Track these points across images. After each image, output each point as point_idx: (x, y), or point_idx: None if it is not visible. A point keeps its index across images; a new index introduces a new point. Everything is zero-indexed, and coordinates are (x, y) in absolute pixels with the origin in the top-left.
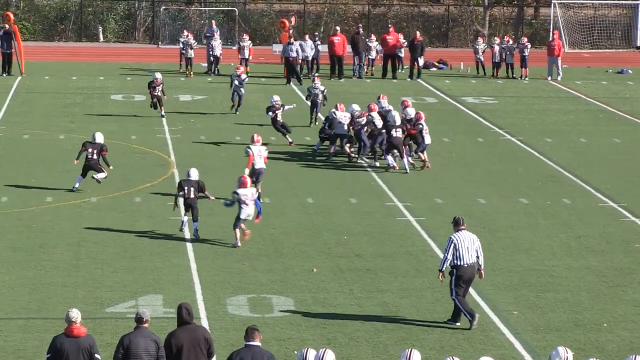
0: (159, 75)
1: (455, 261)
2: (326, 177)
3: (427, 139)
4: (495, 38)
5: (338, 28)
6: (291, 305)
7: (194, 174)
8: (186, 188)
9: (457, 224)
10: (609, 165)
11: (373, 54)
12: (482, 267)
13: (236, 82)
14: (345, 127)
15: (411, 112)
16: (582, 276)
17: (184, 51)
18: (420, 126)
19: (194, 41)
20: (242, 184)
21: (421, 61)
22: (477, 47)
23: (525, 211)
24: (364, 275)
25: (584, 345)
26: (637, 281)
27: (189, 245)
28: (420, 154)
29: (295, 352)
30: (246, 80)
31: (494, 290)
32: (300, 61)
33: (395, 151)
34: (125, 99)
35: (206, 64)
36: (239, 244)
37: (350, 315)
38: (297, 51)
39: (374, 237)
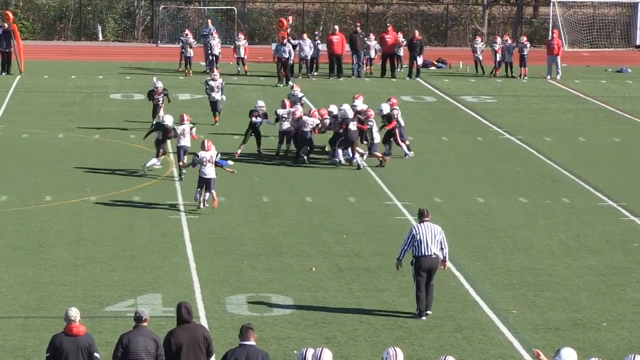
0: (159, 84)
1: (415, 252)
2: (325, 177)
3: (377, 138)
4: (504, 37)
5: (337, 27)
6: (290, 304)
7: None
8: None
9: (421, 215)
10: (608, 164)
11: (372, 53)
12: (447, 258)
13: (213, 89)
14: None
15: (360, 105)
16: (581, 275)
17: (183, 50)
18: (371, 123)
19: (194, 40)
20: (202, 147)
21: (420, 60)
22: (476, 46)
23: (524, 210)
24: (363, 274)
25: (583, 344)
26: (636, 280)
27: (188, 244)
28: (375, 153)
29: (295, 351)
30: (223, 84)
31: (493, 289)
32: (297, 60)
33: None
34: (125, 97)
35: (204, 63)
36: (202, 206)
37: (349, 314)
38: (289, 52)
39: (373, 236)
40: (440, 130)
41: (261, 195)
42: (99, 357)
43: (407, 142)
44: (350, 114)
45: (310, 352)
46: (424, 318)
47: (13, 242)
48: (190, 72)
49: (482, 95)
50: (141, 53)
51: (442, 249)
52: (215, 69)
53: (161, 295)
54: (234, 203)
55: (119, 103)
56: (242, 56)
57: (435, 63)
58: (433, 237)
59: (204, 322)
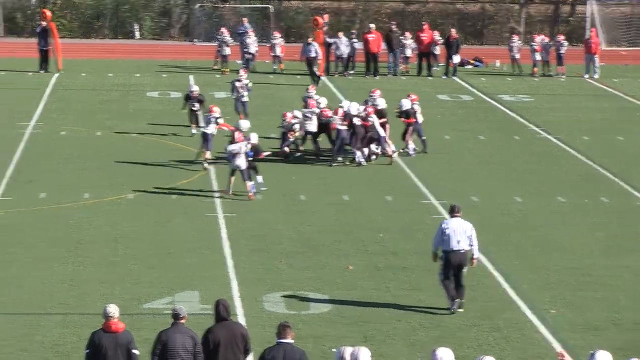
0: (196, 88)
1: (444, 247)
2: (362, 175)
3: (382, 132)
4: (543, 36)
5: (373, 26)
6: (327, 302)
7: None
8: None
9: (452, 211)
10: None
11: (408, 52)
12: (475, 256)
13: (238, 89)
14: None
15: (378, 99)
16: (620, 275)
17: (220, 48)
18: (371, 119)
19: (230, 39)
20: (232, 140)
21: (457, 59)
22: (513, 45)
23: (562, 210)
24: (401, 273)
25: (623, 345)
26: None
27: (225, 242)
28: (387, 148)
29: (333, 350)
30: (250, 86)
31: (532, 289)
32: (334, 59)
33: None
34: (162, 96)
35: (241, 62)
36: (230, 192)
37: (386, 313)
38: (316, 51)
39: (410, 235)
40: (477, 129)
41: (299, 193)
42: (138, 354)
43: (424, 138)
44: (354, 110)
45: (348, 350)
46: (455, 307)
47: (52, 239)
48: (227, 70)
49: (519, 94)
50: (178, 51)
51: (471, 245)
52: (241, 70)
53: (199, 293)
54: (272, 201)
55: (156, 101)
56: (278, 55)
57: (472, 62)
58: (463, 233)
59: (241, 320)
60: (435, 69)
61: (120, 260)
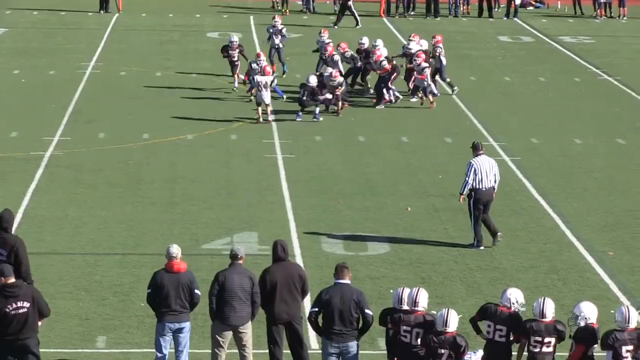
0: (235, 38)
1: (474, 184)
2: (421, 116)
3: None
4: None
5: None
6: (385, 244)
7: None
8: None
9: (476, 149)
10: None
11: None
12: (496, 191)
13: (274, 38)
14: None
15: (415, 47)
16: None
17: None
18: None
19: None
20: (261, 72)
21: (518, 0)
22: None
23: (622, 151)
24: (459, 214)
25: None
26: None
27: (284, 182)
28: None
29: (391, 290)
30: (285, 31)
31: (590, 231)
32: (395, 0)
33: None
34: (221, 36)
35: (301, 2)
36: (261, 120)
37: (444, 255)
38: None
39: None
40: (537, 71)
41: (357, 134)
42: (199, 293)
43: (449, 80)
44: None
45: (406, 291)
46: (482, 248)
47: (111, 179)
48: (287, 10)
49: (580, 35)
50: None
51: (496, 181)
52: (276, 16)
53: (257, 233)
54: (330, 142)
55: (216, 41)
56: None
57: (533, 3)
58: (491, 169)
59: (299, 260)
60: (496, 10)
61: (179, 200)
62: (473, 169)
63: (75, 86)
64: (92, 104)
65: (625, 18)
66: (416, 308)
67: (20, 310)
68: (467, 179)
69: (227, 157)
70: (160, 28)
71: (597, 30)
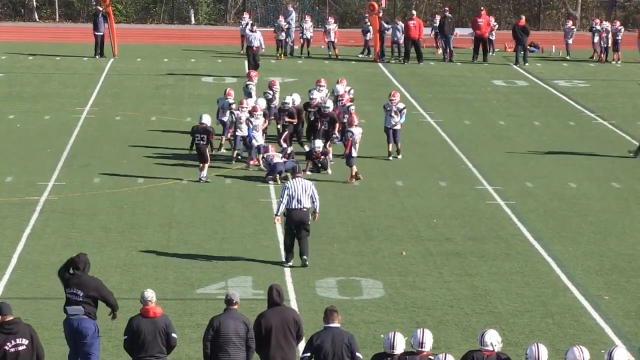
0: (206, 118)
1: (288, 206)
2: (416, 161)
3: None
4: (605, 22)
5: (414, 12)
6: (380, 288)
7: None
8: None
9: (293, 172)
10: None
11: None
12: (317, 210)
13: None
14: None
15: (341, 90)
16: None
17: (276, 33)
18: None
19: (285, 23)
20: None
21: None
22: (567, 29)
23: (617, 195)
24: (454, 258)
25: None
26: None
27: (278, 227)
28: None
29: (382, 335)
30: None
31: (585, 275)
32: (389, 44)
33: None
34: (216, 81)
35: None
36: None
37: (439, 299)
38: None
39: (464, 220)
40: (532, 114)
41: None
42: (176, 337)
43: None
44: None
45: (398, 336)
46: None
47: (106, 223)
48: (282, 55)
49: (574, 79)
50: (233, 36)
51: (314, 202)
52: (228, 90)
53: (252, 278)
54: (324, 186)
55: (211, 86)
56: (333, 40)
57: (528, 47)
58: (304, 192)
59: (294, 305)
60: (490, 54)
61: (174, 244)
62: (286, 190)
63: (71, 131)
64: (87, 149)
65: (619, 62)
66: (422, 349)
67: (20, 348)
68: (281, 200)
69: (222, 202)
70: (156, 73)
71: (592, 74)
